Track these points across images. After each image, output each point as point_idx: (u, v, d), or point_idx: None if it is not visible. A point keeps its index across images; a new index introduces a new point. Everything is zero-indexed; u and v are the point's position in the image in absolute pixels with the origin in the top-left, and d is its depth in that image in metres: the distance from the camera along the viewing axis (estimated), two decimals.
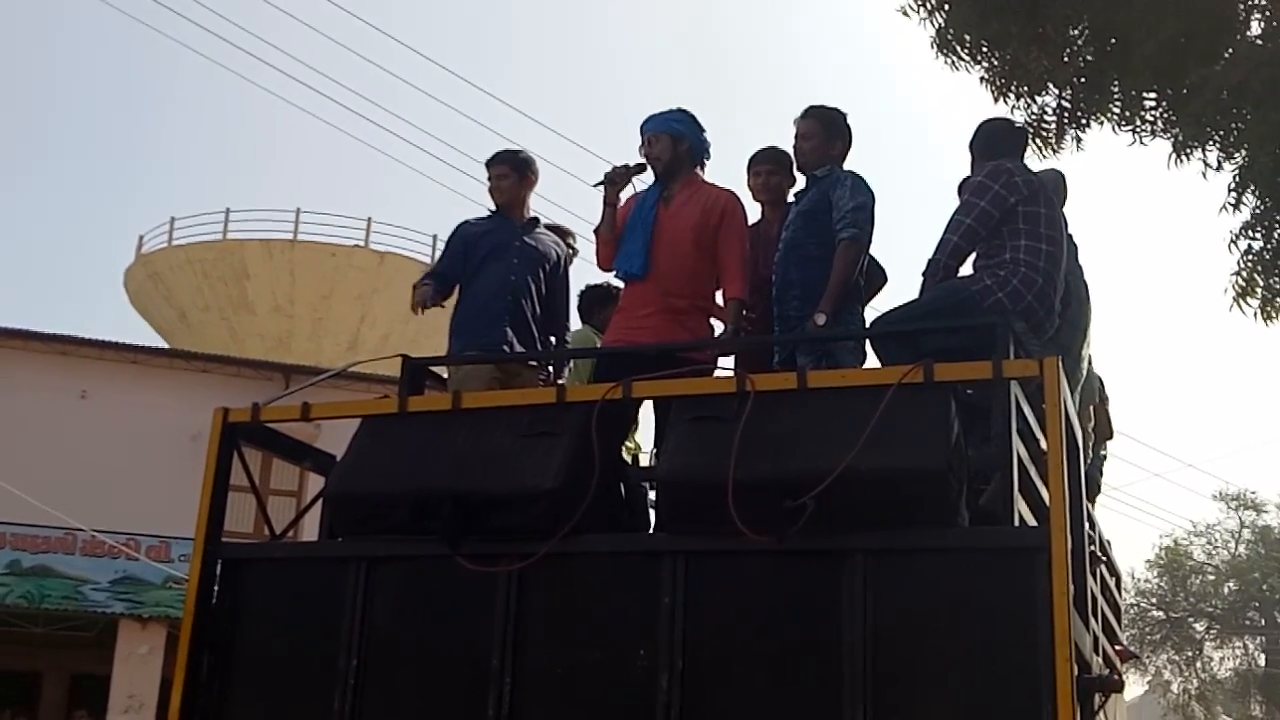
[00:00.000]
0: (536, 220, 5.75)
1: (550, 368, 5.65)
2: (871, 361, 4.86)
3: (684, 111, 5.28)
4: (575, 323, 6.48)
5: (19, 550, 15.97)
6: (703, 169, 5.29)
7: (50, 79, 66.36)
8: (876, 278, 5.22)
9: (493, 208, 5.76)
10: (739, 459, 3.43)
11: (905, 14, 7.43)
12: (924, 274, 4.80)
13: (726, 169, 5.48)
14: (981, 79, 7.48)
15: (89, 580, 16.06)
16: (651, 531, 4.22)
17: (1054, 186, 5.24)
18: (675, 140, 5.19)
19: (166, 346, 24.39)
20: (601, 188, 5.20)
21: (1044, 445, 3.60)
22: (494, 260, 5.51)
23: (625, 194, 5.24)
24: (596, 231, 5.27)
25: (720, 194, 5.18)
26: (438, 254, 5.70)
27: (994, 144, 5.04)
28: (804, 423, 3.56)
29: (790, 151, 5.30)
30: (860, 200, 4.93)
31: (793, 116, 5.23)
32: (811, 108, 5.23)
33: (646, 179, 5.27)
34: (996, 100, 7.46)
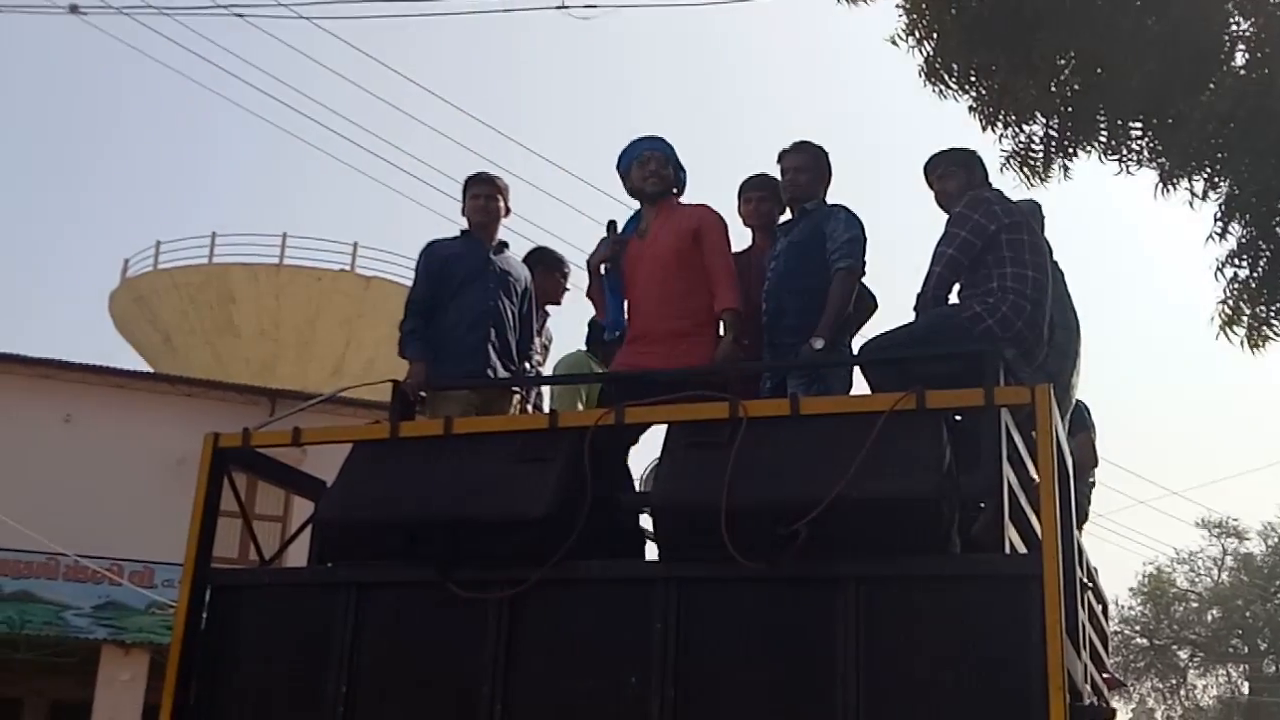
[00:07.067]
0: (505, 243, 5.66)
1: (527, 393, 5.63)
2: (860, 388, 4.87)
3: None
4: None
5: (1, 575, 15.87)
6: (678, 198, 5.31)
7: (35, 102, 66.50)
8: (868, 303, 5.23)
9: (465, 228, 5.62)
10: (732, 485, 3.43)
11: (894, 43, 7.48)
12: (915, 309, 4.82)
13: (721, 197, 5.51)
14: (970, 107, 7.51)
15: (71, 606, 15.95)
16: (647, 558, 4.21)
17: (1033, 214, 5.25)
18: (673, 166, 5.26)
19: (151, 371, 24.27)
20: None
21: (1034, 473, 3.61)
22: (470, 284, 5.42)
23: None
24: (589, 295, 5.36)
25: (694, 210, 5.20)
26: None
27: (975, 172, 5.04)
28: (797, 449, 3.57)
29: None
30: (854, 233, 4.99)
31: (779, 146, 5.26)
32: (804, 142, 5.26)
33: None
34: (985, 129, 7.49)
